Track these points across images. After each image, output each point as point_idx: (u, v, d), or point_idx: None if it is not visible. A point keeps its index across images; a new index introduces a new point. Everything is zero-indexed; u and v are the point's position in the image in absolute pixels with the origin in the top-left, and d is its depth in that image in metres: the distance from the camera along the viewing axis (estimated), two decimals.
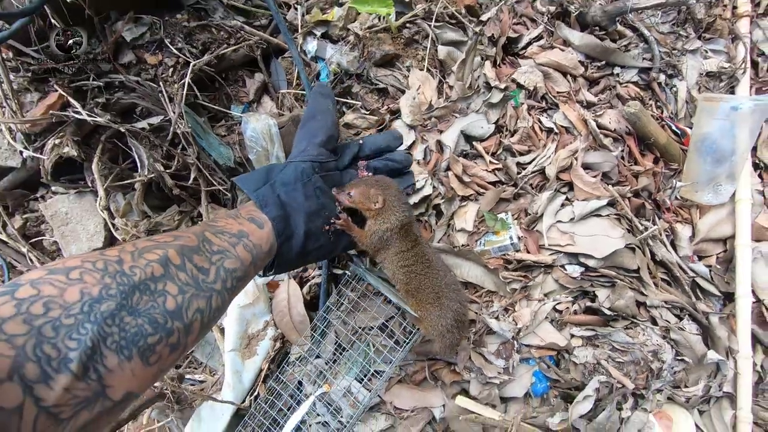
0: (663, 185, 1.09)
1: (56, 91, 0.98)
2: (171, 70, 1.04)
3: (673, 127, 1.12)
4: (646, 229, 1.01)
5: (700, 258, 1.05)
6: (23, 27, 0.88)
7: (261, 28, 1.16)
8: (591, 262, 0.96)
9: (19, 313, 0.34)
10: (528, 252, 1.00)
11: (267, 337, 1.06)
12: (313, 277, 1.08)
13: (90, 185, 1.10)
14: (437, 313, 0.77)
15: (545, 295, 0.97)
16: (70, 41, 0.95)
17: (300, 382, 1.01)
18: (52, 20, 0.91)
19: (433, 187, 1.08)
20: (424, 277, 0.75)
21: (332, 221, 0.71)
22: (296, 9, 1.18)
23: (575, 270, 0.97)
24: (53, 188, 1.15)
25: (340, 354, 1.02)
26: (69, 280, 0.38)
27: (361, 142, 0.77)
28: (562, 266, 0.98)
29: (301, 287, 1.07)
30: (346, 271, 1.05)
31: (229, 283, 0.52)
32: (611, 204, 1.02)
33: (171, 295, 0.44)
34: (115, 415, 0.40)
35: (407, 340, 0.92)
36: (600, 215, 1.00)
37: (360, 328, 1.02)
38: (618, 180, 1.06)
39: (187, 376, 1.22)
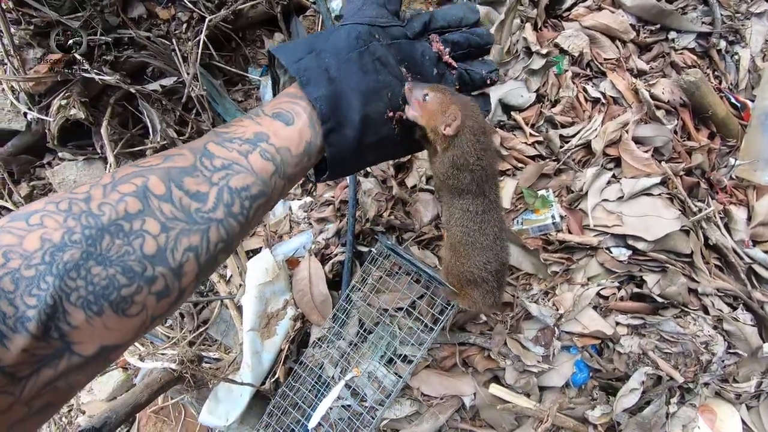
0: (718, 163, 1.00)
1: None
2: (185, 26, 0.96)
3: (732, 100, 1.02)
4: (700, 210, 0.92)
5: (756, 243, 0.97)
6: None
7: None
8: (640, 245, 0.88)
9: None
10: (570, 232, 0.92)
11: (287, 316, 1.00)
12: (336, 255, 1.02)
13: (99, 151, 1.03)
14: (472, 287, 0.69)
15: (589, 279, 0.90)
16: (70, 41, 0.86)
17: (321, 365, 0.96)
18: None
19: None
20: (481, 250, 0.65)
21: (400, 109, 0.54)
22: None
23: (622, 253, 0.89)
24: (60, 154, 1.08)
25: (365, 336, 0.96)
26: (29, 226, 0.33)
27: (431, 10, 0.58)
28: (608, 249, 0.90)
29: (323, 265, 1.01)
30: (372, 248, 0.98)
31: (237, 207, 0.41)
32: (663, 182, 0.94)
33: (150, 234, 0.36)
34: (93, 368, 0.35)
35: (441, 319, 0.86)
36: (651, 194, 0.92)
37: (385, 309, 0.96)
38: (670, 156, 0.97)
39: (202, 353, 1.18)
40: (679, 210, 0.91)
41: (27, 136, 1.05)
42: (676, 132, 0.99)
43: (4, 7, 0.87)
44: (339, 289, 1.00)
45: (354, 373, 0.88)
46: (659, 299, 0.85)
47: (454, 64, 0.57)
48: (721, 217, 0.96)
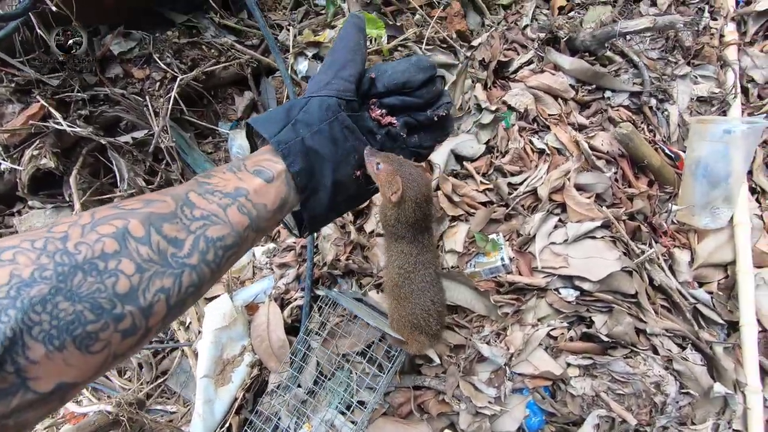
0: (659, 208, 1.06)
1: (38, 102, 0.96)
2: (158, 84, 1.03)
3: (667, 151, 1.10)
4: (643, 252, 0.97)
5: (701, 284, 1.00)
6: (8, 37, 0.87)
7: (252, 47, 1.16)
8: (586, 286, 0.91)
9: None
10: (520, 274, 0.96)
11: (243, 363, 0.99)
12: (295, 299, 1.03)
13: (68, 199, 1.07)
14: (418, 332, 0.71)
15: (539, 320, 0.92)
16: (70, 41, 0.93)
17: (278, 414, 0.94)
18: (38, 31, 0.90)
19: None
20: (420, 291, 0.69)
21: (364, 167, 0.59)
22: (288, 30, 1.19)
23: (570, 294, 0.92)
24: (30, 203, 1.11)
25: (322, 383, 0.95)
26: (0, 261, 0.34)
27: (372, 75, 0.60)
28: (556, 290, 0.93)
29: (282, 310, 1.02)
30: (319, 292, 0.99)
31: (211, 255, 0.44)
32: (606, 226, 0.99)
33: (125, 274, 0.37)
34: (47, 406, 0.34)
35: (390, 365, 0.86)
36: (594, 237, 0.96)
37: (340, 354, 0.96)
38: (612, 202, 1.03)
39: (158, 407, 1.14)
40: (622, 252, 0.95)
41: None
42: (617, 180, 1.06)
43: None
44: (297, 335, 1.00)
45: (305, 430, 0.86)
46: (607, 339, 0.87)
47: (393, 121, 0.61)
48: (665, 260, 1.00)
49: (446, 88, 1.17)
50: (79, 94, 0.98)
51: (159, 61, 1.03)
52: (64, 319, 0.33)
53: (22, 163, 0.98)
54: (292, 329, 1.02)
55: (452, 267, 0.99)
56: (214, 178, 0.49)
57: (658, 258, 0.98)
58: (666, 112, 1.14)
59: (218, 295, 1.05)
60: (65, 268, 0.35)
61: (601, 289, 0.91)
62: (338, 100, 0.57)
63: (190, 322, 1.07)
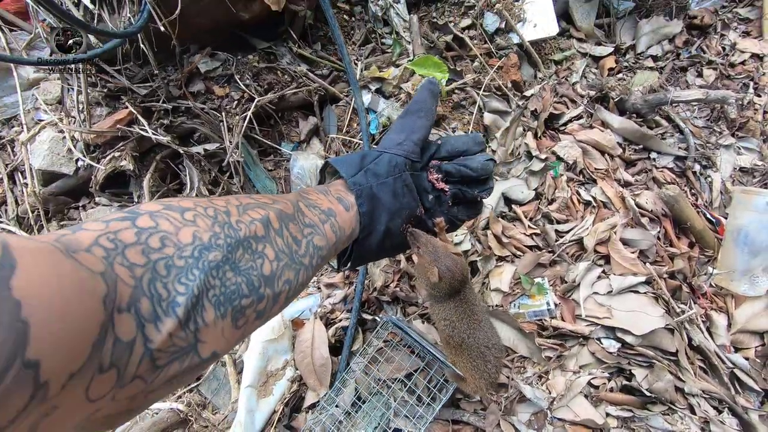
0: (698, 270, 1.10)
1: (126, 108, 1.03)
2: (235, 103, 1.10)
3: (708, 215, 1.15)
4: (683, 312, 1.00)
5: (737, 349, 1.02)
6: (113, 49, 0.95)
7: (321, 77, 1.24)
8: (629, 339, 0.94)
9: (138, 243, 0.32)
10: (564, 320, 0.99)
11: (285, 377, 1.01)
12: (340, 320, 1.06)
13: (136, 200, 1.12)
14: (477, 374, 0.74)
15: (580, 367, 0.94)
16: (70, 41, 0.97)
17: None
18: (141, 45, 0.98)
19: (471, 244, 1.09)
20: (469, 340, 0.73)
21: (412, 222, 0.66)
22: (356, 64, 1.27)
23: (612, 345, 0.94)
24: (97, 199, 1.17)
25: (359, 407, 0.97)
26: (184, 220, 0.36)
27: (439, 142, 0.70)
28: (599, 339, 0.96)
29: (327, 329, 1.05)
30: (376, 317, 1.03)
31: (315, 260, 0.48)
32: (648, 282, 1.02)
33: (268, 259, 0.41)
34: (197, 374, 0.36)
35: (442, 398, 0.88)
36: (637, 292, 1.00)
37: (382, 379, 0.98)
38: (654, 259, 1.07)
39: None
40: (664, 309, 0.98)
41: (72, 180, 1.15)
42: (659, 238, 1.10)
43: (88, 70, 1.02)
44: (340, 355, 1.03)
45: None
46: (648, 394, 0.89)
47: (445, 188, 0.68)
48: (702, 321, 1.03)
49: (499, 134, 1.24)
50: (163, 104, 1.06)
51: (239, 82, 1.10)
52: (229, 288, 0.36)
53: (102, 162, 1.04)
54: (333, 349, 1.05)
55: (496, 306, 1.02)
56: (312, 195, 0.55)
57: (697, 319, 1.01)
58: (709, 179, 1.18)
59: None
60: (232, 240, 0.38)
61: (643, 344, 0.94)
62: (405, 160, 0.64)
63: None
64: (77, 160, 1.10)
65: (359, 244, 0.61)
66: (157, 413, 0.85)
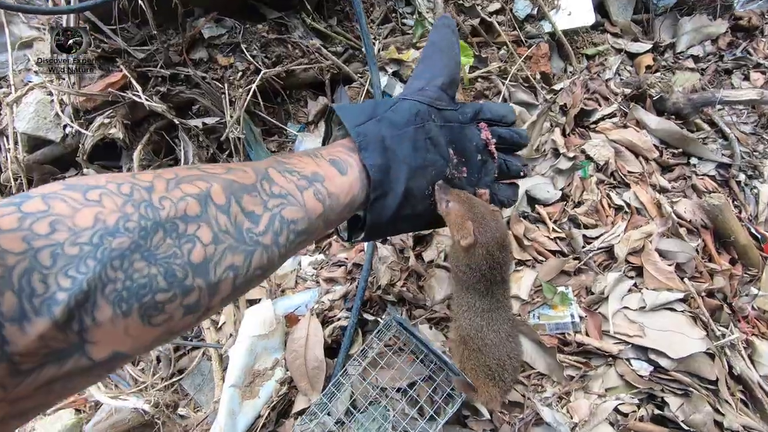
0: (740, 290, 0.98)
1: (120, 71, 0.94)
2: (240, 74, 1.01)
3: (752, 230, 1.03)
4: (723, 336, 0.88)
5: None
6: (107, 3, 0.86)
7: (336, 54, 1.14)
8: (663, 362, 0.83)
9: (20, 228, 0.27)
10: (589, 336, 0.88)
11: (273, 378, 0.91)
12: (339, 319, 0.96)
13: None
14: (492, 383, 0.64)
15: (606, 390, 0.83)
16: (70, 41, 0.92)
17: None
18: (140, 2, 0.89)
19: None
20: (492, 345, 0.62)
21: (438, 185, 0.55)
22: (373, 44, 1.17)
23: (644, 367, 0.84)
24: (85, 170, 1.08)
25: (353, 416, 0.87)
26: (85, 200, 0.30)
27: (481, 102, 0.64)
28: (628, 360, 0.85)
29: (324, 327, 0.95)
30: (379, 318, 0.93)
31: (283, 237, 0.40)
32: (684, 300, 0.91)
33: (201, 242, 0.34)
34: (95, 376, 0.31)
35: (449, 411, 0.78)
36: (674, 310, 0.89)
37: (382, 387, 0.88)
38: (693, 275, 0.96)
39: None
40: (703, 331, 0.87)
41: (59, 147, 1.06)
42: (697, 252, 0.99)
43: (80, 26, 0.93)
44: (335, 357, 0.93)
45: None
46: (684, 426, 0.78)
47: (496, 154, 0.60)
48: (744, 347, 0.92)
49: (525, 125, 1.13)
50: (162, 70, 0.96)
51: (245, 52, 1.01)
52: (137, 281, 0.30)
53: (90, 128, 0.95)
54: (329, 350, 0.95)
55: (514, 314, 0.92)
56: (293, 159, 0.47)
57: (739, 344, 0.90)
58: (755, 190, 1.07)
59: (259, 300, 0.99)
60: (148, 222, 0.31)
61: (678, 369, 0.83)
62: (429, 109, 0.54)
63: (224, 323, 1.00)
64: (65, 126, 1.02)
65: (372, 209, 0.51)
66: (116, 412, 0.76)
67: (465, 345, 0.65)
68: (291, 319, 0.99)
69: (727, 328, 0.91)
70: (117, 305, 0.29)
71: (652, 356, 0.84)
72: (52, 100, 1.00)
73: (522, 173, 0.63)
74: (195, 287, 0.33)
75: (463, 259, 0.59)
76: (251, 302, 1.00)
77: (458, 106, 0.60)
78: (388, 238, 1.02)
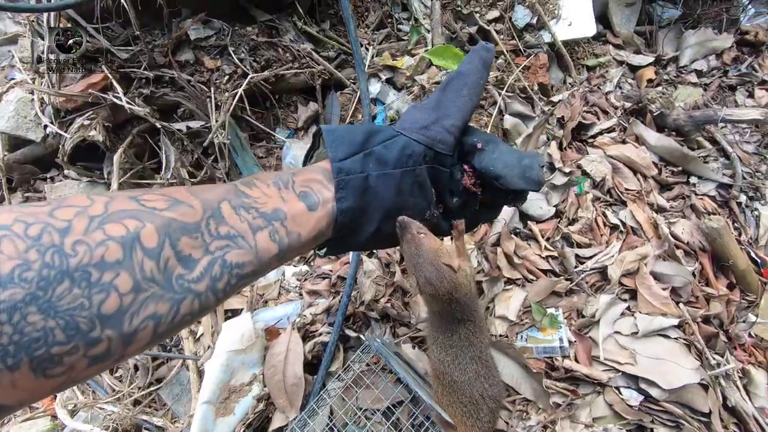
0: (737, 317, 0.95)
1: (102, 71, 0.91)
2: (226, 77, 0.98)
3: (752, 254, 1.00)
4: (719, 365, 0.85)
5: None
6: (90, 1, 0.83)
7: (327, 59, 1.11)
8: (654, 392, 0.79)
9: None
10: (578, 362, 0.84)
11: (251, 394, 0.88)
12: (321, 334, 0.93)
13: (105, 177, 1.00)
14: (471, 422, 0.60)
15: (594, 419, 0.80)
16: (70, 41, 0.89)
17: None
18: (122, 1, 0.86)
19: (477, 261, 0.95)
20: (463, 384, 0.59)
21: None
22: (367, 49, 1.14)
23: (634, 397, 0.80)
24: (66, 172, 1.05)
25: None
26: None
27: (479, 146, 0.52)
28: (618, 389, 0.82)
29: (305, 342, 0.92)
30: (361, 336, 0.89)
31: (223, 282, 0.38)
32: (679, 326, 0.88)
33: (118, 292, 0.31)
34: None
35: None
36: (667, 336, 0.85)
37: (362, 408, 0.85)
38: (688, 300, 0.92)
39: (143, 416, 1.03)
40: (698, 360, 0.83)
41: (39, 147, 1.04)
42: (694, 275, 0.96)
43: (61, 26, 0.90)
44: (315, 374, 0.89)
45: None
46: None
47: (478, 192, 0.54)
48: (739, 377, 0.88)
49: (519, 141, 1.10)
50: (145, 71, 0.93)
51: (233, 55, 0.98)
52: (28, 335, 0.27)
53: (69, 130, 0.92)
54: (309, 367, 0.92)
55: (500, 336, 0.88)
56: (255, 190, 0.43)
57: (735, 374, 0.86)
58: (756, 212, 1.04)
59: (239, 310, 0.96)
60: (52, 271, 0.28)
61: (670, 399, 0.80)
62: (426, 151, 0.50)
63: (202, 334, 0.97)
64: (45, 126, 0.99)
65: (334, 238, 0.49)
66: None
67: (437, 380, 0.62)
68: (271, 333, 0.96)
69: (722, 357, 0.87)
70: (1, 360, 0.26)
71: (643, 385, 0.81)
72: (32, 99, 0.97)
73: (510, 206, 0.59)
74: (103, 338, 0.30)
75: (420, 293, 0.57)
76: (232, 313, 0.97)
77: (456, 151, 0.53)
78: (374, 251, 0.99)
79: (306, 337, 0.94)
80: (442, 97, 0.52)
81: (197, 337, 0.99)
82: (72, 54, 0.92)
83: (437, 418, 0.68)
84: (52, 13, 0.86)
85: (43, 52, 0.90)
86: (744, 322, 0.94)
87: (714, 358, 0.86)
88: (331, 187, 0.47)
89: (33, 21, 0.89)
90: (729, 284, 0.98)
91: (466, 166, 0.53)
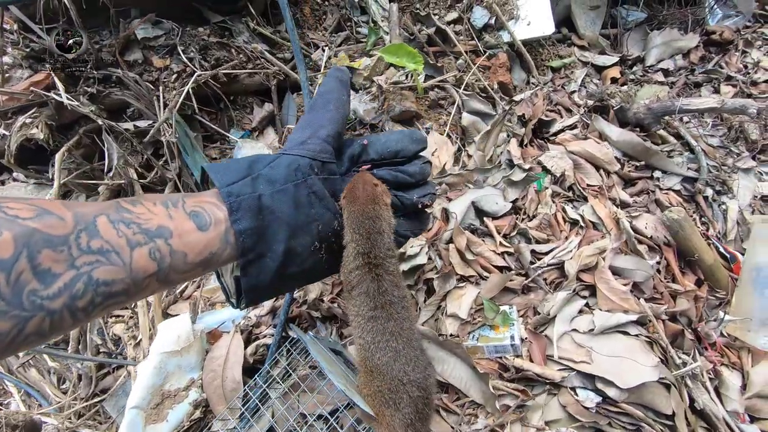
0: (707, 315, 0.89)
1: (46, 70, 0.91)
2: (174, 76, 0.97)
3: (721, 249, 0.95)
4: (684, 364, 0.79)
5: (753, 419, 0.81)
6: None
7: (283, 60, 1.11)
8: (611, 392, 0.74)
9: None
10: (531, 361, 0.79)
11: (187, 400, 0.83)
12: (264, 336, 0.88)
13: (50, 177, 0.99)
14: (390, 412, 0.55)
15: (546, 423, 0.74)
16: (71, 41, 0.89)
17: None
18: (65, 1, 0.86)
19: (429, 258, 0.91)
20: (384, 365, 0.54)
21: (330, 240, 0.52)
22: (323, 51, 1.14)
23: (590, 398, 0.74)
24: (15, 174, 1.04)
25: None
26: None
27: (365, 142, 0.57)
28: (573, 389, 0.76)
29: (247, 345, 0.87)
30: (292, 333, 0.85)
31: (85, 300, 0.35)
32: (641, 323, 0.82)
33: None
34: None
35: None
36: (627, 333, 0.80)
37: (303, 414, 0.79)
38: (652, 296, 0.87)
39: (85, 430, 0.98)
40: (660, 358, 0.78)
41: None
42: (659, 271, 0.91)
43: (7, 27, 0.90)
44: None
45: None
46: None
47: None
48: (710, 378, 0.82)
49: (478, 138, 1.08)
50: (92, 71, 0.93)
51: (182, 54, 0.98)
52: None
53: (12, 129, 0.91)
54: (252, 370, 0.87)
55: (451, 335, 0.83)
56: (140, 207, 0.41)
57: (703, 375, 0.80)
58: (723, 206, 1.00)
59: (178, 314, 0.91)
60: None
61: (629, 400, 0.74)
62: (311, 162, 0.51)
63: (141, 339, 0.93)
64: None
65: (247, 272, 0.47)
66: None
67: (362, 367, 0.57)
68: (214, 336, 0.91)
69: (689, 356, 0.82)
70: None
71: (600, 385, 0.75)
72: None
73: (420, 205, 0.58)
74: None
75: (345, 257, 0.54)
76: (168, 314, 0.92)
77: (340, 156, 0.57)
78: None
79: (250, 340, 0.89)
80: (312, 116, 0.56)
81: (138, 341, 0.94)
82: (14, 52, 0.92)
83: (359, 411, 0.62)
84: None
85: None
86: (714, 320, 0.89)
87: (680, 357, 0.80)
88: (224, 207, 0.45)
89: None
90: (697, 281, 0.93)
91: (360, 169, 0.56)
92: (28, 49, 0.93)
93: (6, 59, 0.93)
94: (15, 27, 0.92)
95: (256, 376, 0.82)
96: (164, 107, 0.95)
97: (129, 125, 0.97)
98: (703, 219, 1.00)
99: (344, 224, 0.53)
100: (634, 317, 0.80)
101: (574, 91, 1.24)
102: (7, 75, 0.93)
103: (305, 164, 0.51)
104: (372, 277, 0.52)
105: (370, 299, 0.53)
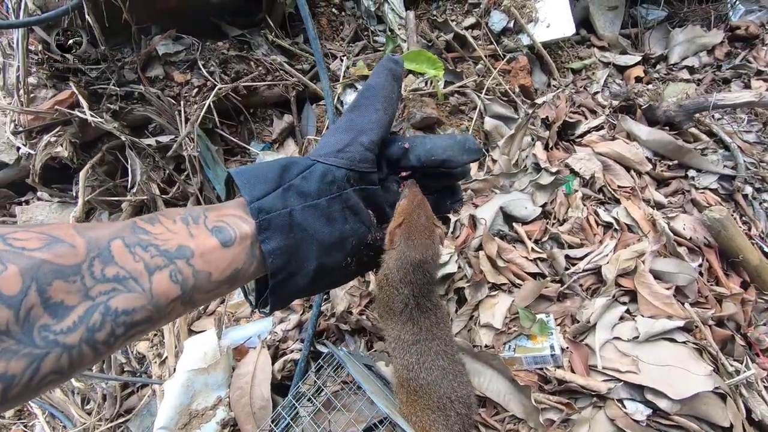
0: (755, 319, 0.84)
1: (70, 88, 0.91)
2: (195, 90, 0.97)
3: (765, 249, 0.91)
4: (738, 372, 0.74)
5: None
6: (57, 19, 0.84)
7: (302, 72, 1.10)
8: (662, 404, 0.69)
9: None
10: (573, 371, 0.75)
11: (214, 419, 0.81)
12: (292, 351, 0.86)
13: (74, 195, 0.99)
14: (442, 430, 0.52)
15: None
16: (70, 41, 0.89)
17: None
18: (89, 20, 0.87)
19: (459, 266, 0.89)
20: (428, 386, 0.52)
21: (362, 253, 0.49)
22: (342, 60, 1.13)
23: (639, 410, 0.70)
24: (39, 193, 1.04)
25: None
26: None
27: (406, 145, 0.51)
28: (621, 401, 0.72)
29: (274, 361, 0.85)
30: (323, 349, 0.82)
31: (104, 332, 0.32)
32: (687, 329, 0.78)
33: None
34: None
35: None
36: (674, 340, 0.76)
37: None
38: (696, 300, 0.83)
39: None
40: (711, 366, 0.73)
41: (14, 170, 1.03)
42: (701, 274, 0.87)
43: (32, 48, 0.91)
44: (286, 395, 0.82)
45: None
46: None
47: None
48: (765, 386, 0.77)
49: (501, 143, 1.05)
50: (114, 87, 0.93)
51: (202, 68, 0.98)
52: None
53: (37, 148, 0.92)
54: (281, 388, 0.84)
55: (486, 347, 0.80)
56: (158, 226, 0.38)
57: (758, 383, 0.75)
58: (765, 204, 0.95)
59: (202, 330, 0.90)
60: None
61: (682, 412, 0.69)
62: (348, 173, 0.46)
63: (166, 357, 0.91)
64: (18, 148, 0.98)
65: (275, 292, 0.44)
66: None
67: (403, 388, 0.55)
68: (241, 352, 0.89)
69: (741, 363, 0.77)
70: None
71: (649, 396, 0.70)
72: (5, 122, 0.98)
73: (450, 211, 0.57)
74: None
75: (383, 276, 0.51)
76: (193, 331, 0.91)
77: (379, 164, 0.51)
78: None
79: (278, 355, 0.87)
80: (355, 116, 0.50)
81: (163, 359, 0.92)
82: (39, 73, 0.93)
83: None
84: (20, 34, 0.87)
85: (11, 72, 0.91)
86: (764, 324, 0.84)
87: (731, 365, 0.75)
88: (251, 220, 0.42)
89: (2, 43, 0.91)
90: (742, 283, 0.88)
91: (403, 173, 0.52)
92: (52, 69, 0.93)
93: (31, 80, 0.94)
94: (39, 47, 0.93)
95: (288, 395, 0.79)
96: (186, 122, 0.95)
97: (151, 141, 0.96)
98: (743, 218, 0.95)
99: (391, 256, 0.49)
100: (680, 323, 0.76)
101: (597, 92, 1.21)
102: (32, 95, 0.94)
103: (341, 176, 0.46)
104: (417, 306, 0.50)
105: (414, 325, 0.51)
